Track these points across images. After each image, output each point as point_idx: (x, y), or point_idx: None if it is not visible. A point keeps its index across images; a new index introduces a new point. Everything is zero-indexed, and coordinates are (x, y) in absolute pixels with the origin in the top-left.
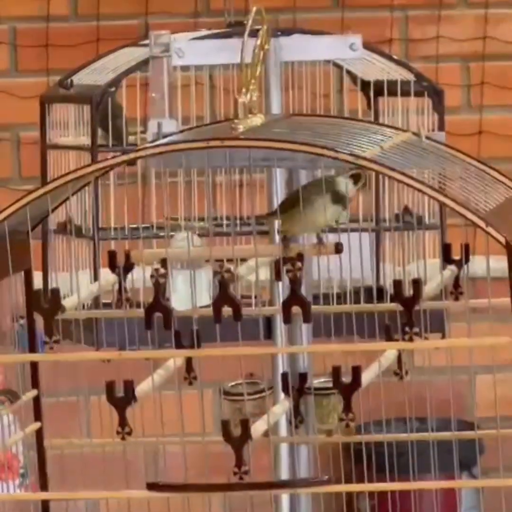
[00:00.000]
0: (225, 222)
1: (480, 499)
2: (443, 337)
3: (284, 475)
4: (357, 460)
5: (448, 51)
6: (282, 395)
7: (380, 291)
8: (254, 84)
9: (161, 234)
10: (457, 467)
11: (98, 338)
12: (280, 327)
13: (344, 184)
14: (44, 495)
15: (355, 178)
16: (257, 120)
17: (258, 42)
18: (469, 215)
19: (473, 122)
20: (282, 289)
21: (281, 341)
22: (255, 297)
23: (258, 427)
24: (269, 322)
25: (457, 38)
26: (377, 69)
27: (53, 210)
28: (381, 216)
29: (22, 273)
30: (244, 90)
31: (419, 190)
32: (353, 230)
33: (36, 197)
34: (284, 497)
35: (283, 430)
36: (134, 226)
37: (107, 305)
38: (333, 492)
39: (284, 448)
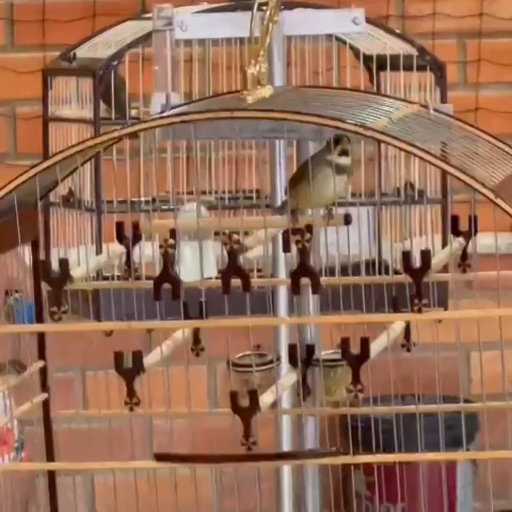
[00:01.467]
0: (227, 195)
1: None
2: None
3: (286, 448)
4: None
5: (444, 28)
6: (284, 367)
7: (381, 265)
8: (263, 56)
9: (164, 207)
10: (443, 443)
11: (105, 310)
12: (284, 299)
13: (336, 156)
14: (51, 466)
15: (337, 143)
16: (266, 91)
17: (268, 13)
18: (479, 187)
19: (470, 99)
20: (284, 263)
21: (285, 313)
22: (258, 270)
23: (265, 399)
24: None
25: (453, 15)
26: (379, 43)
27: (62, 180)
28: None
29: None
30: (253, 61)
31: (430, 163)
32: (352, 204)
33: (44, 168)
34: (286, 470)
35: (285, 403)
36: (135, 199)
37: (107, 278)
38: (330, 466)
39: (286, 421)
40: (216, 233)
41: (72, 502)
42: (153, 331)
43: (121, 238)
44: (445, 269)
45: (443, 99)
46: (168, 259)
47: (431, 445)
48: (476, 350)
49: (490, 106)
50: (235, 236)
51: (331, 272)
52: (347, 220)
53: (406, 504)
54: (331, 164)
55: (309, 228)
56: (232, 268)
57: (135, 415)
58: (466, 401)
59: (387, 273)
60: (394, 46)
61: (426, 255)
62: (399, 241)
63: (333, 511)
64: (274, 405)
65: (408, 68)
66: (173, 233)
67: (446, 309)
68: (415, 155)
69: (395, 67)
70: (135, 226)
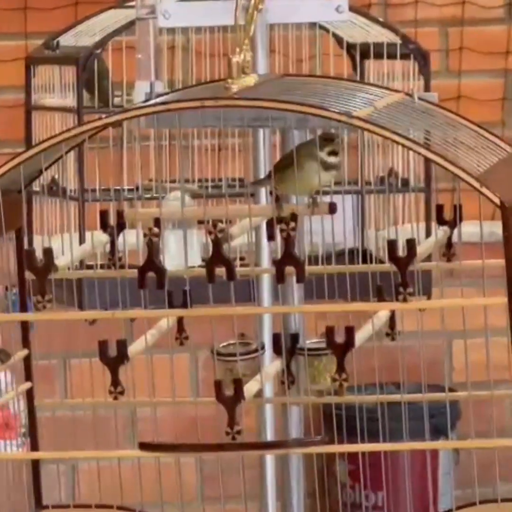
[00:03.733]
0: (210, 184)
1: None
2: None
3: (269, 436)
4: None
5: (426, 15)
6: (268, 356)
7: (364, 253)
8: (247, 44)
9: (147, 195)
10: (428, 432)
11: (89, 299)
12: (267, 287)
13: (326, 155)
14: (34, 455)
15: (328, 142)
16: (251, 80)
17: (252, 1)
18: (465, 176)
19: (452, 87)
20: (267, 252)
21: (269, 301)
22: (241, 259)
23: (249, 388)
24: (253, 284)
25: (435, 3)
26: (362, 31)
27: (46, 169)
28: (365, 179)
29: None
30: (237, 49)
31: (416, 152)
32: (336, 192)
33: (29, 156)
34: (269, 458)
35: (268, 392)
36: (118, 188)
37: (91, 267)
38: (312, 455)
39: (269, 410)
40: (200, 222)
41: (55, 488)
42: (136, 319)
43: (105, 226)
44: (428, 257)
45: (427, 88)
46: (153, 248)
47: (412, 433)
48: (458, 338)
49: (472, 94)
50: (220, 225)
51: (315, 260)
52: (332, 209)
53: (388, 492)
54: (319, 160)
55: (294, 217)
56: (217, 257)
57: (119, 404)
58: (449, 389)
59: (370, 261)
60: (378, 35)
61: (411, 244)
62: (382, 229)
63: (318, 499)
64: (259, 394)
65: (391, 56)
66: (157, 221)
67: (429, 297)
68: (400, 144)
69: (378, 55)
70: (119, 215)
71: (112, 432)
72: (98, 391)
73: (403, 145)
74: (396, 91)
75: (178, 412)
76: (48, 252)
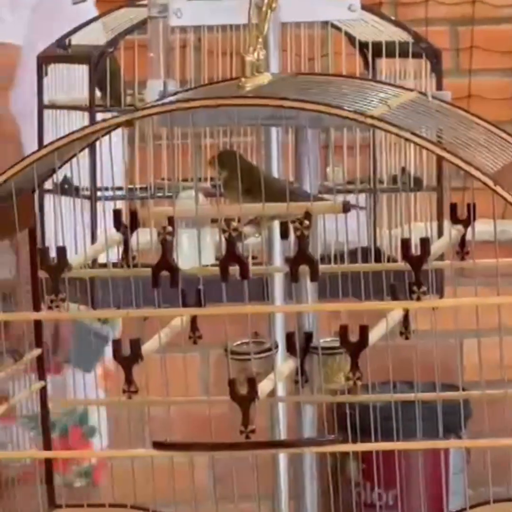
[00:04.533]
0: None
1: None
2: (441, 298)
3: (282, 436)
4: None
5: (437, 14)
6: (281, 355)
7: (378, 252)
8: (261, 43)
9: (159, 194)
10: (441, 430)
11: (103, 298)
12: (279, 286)
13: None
14: (48, 454)
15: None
16: (264, 78)
17: (266, 0)
18: (479, 175)
19: (462, 86)
20: (279, 250)
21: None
22: (253, 257)
23: (263, 387)
24: (266, 283)
25: (446, 2)
26: (374, 30)
27: (60, 167)
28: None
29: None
30: (251, 48)
31: (431, 151)
32: (350, 191)
33: (43, 155)
34: (282, 458)
35: (281, 391)
36: (131, 186)
37: (103, 266)
38: (325, 454)
39: (282, 409)
40: (213, 220)
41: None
42: (148, 318)
43: (118, 225)
44: (441, 256)
45: (439, 86)
46: (167, 247)
47: (423, 432)
48: (469, 337)
49: (483, 93)
50: (234, 224)
51: (327, 259)
52: (346, 207)
53: (400, 491)
54: None
55: (307, 215)
56: (231, 255)
57: (133, 403)
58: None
59: (382, 260)
60: (389, 33)
61: (425, 243)
62: (394, 228)
63: (332, 497)
64: (272, 393)
65: (403, 55)
66: (171, 220)
67: (442, 296)
68: (416, 144)
69: (390, 54)
70: (133, 214)
71: (124, 431)
72: (111, 390)
73: (419, 145)
74: (410, 90)
75: (188, 412)
76: (61, 250)
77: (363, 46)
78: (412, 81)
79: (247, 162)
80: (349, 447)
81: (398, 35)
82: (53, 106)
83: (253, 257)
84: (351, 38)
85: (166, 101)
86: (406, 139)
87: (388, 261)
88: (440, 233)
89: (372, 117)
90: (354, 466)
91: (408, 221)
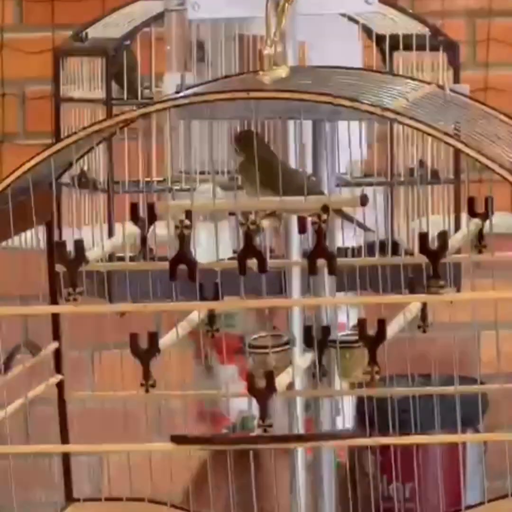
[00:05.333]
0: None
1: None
2: (458, 291)
3: (299, 429)
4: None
5: (454, 7)
6: (298, 348)
7: (394, 245)
8: (278, 36)
9: (176, 187)
10: (459, 423)
11: (120, 291)
12: (297, 279)
13: None
14: (66, 448)
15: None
16: (282, 71)
17: None
18: (497, 168)
19: (479, 79)
20: (296, 244)
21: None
22: (271, 251)
23: (281, 380)
24: (284, 276)
25: None
26: (391, 23)
27: (77, 161)
28: (395, 170)
29: None
30: (269, 42)
31: (450, 144)
32: (368, 184)
33: (60, 148)
34: (300, 451)
35: (298, 385)
36: (148, 180)
37: (121, 259)
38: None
39: (299, 403)
40: (230, 214)
41: (84, 481)
42: (165, 312)
43: (135, 219)
44: (458, 249)
45: (456, 79)
46: (184, 240)
47: (440, 425)
48: (485, 330)
49: (500, 85)
50: (252, 217)
51: (345, 252)
52: (363, 201)
53: (419, 484)
54: None
55: (325, 209)
56: (248, 249)
57: (150, 397)
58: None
59: (400, 253)
60: (407, 26)
61: (443, 237)
62: (411, 221)
63: (350, 492)
64: (290, 386)
65: (420, 48)
66: (189, 214)
67: (459, 289)
68: (434, 137)
69: (407, 47)
70: (150, 207)
71: (141, 425)
72: (127, 383)
73: (437, 138)
74: (428, 83)
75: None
76: (79, 244)
77: (380, 39)
78: (429, 74)
79: (266, 150)
80: (368, 441)
81: (415, 28)
82: (70, 99)
83: (271, 250)
84: (368, 31)
85: (185, 94)
86: (425, 133)
87: (406, 254)
88: (457, 226)
89: (390, 110)
90: (372, 459)
91: (425, 214)
